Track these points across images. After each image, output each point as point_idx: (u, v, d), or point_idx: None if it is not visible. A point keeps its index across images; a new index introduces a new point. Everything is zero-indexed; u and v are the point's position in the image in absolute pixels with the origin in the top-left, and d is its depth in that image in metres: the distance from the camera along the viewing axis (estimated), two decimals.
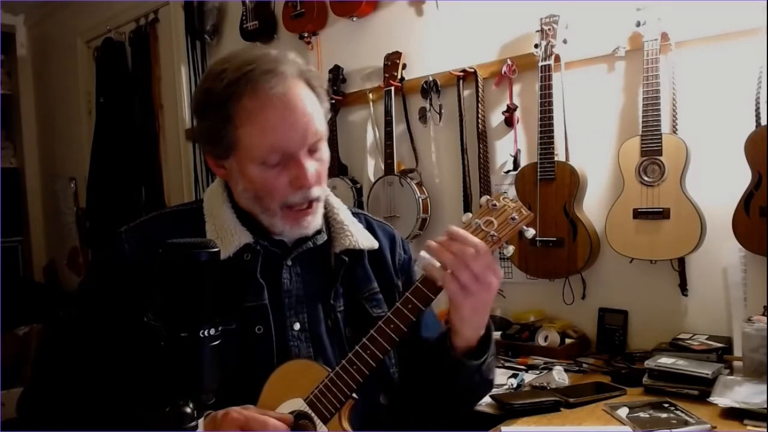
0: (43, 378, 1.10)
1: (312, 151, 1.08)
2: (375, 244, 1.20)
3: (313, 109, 1.07)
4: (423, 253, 1.04)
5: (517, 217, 1.03)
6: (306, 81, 1.08)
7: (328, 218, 1.19)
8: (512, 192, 2.18)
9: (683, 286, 1.94)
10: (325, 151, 1.11)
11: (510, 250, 1.05)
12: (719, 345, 1.74)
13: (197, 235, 1.09)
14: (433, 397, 1.16)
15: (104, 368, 1.05)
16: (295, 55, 1.11)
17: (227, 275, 1.05)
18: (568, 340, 2.06)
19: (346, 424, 1.03)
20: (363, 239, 1.18)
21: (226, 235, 1.09)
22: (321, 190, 1.11)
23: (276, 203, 1.08)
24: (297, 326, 1.12)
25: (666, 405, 1.53)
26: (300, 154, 1.05)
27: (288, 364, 1.06)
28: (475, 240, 1.01)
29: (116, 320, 1.06)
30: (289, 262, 1.14)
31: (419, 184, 2.45)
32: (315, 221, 1.12)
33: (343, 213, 1.21)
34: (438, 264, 1.02)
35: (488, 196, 1.07)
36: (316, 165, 1.08)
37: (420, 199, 2.40)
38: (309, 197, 1.08)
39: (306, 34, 2.78)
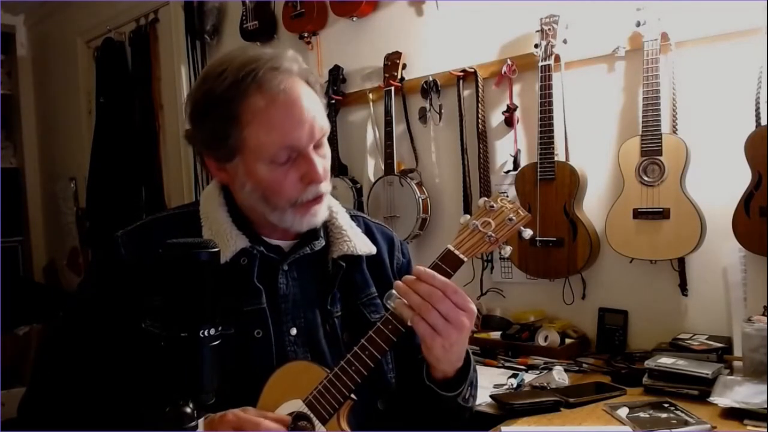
0: (43, 380, 1.10)
1: (317, 146, 1.08)
2: (373, 250, 1.20)
3: (317, 106, 1.08)
4: (393, 291, 1.03)
5: (514, 217, 1.04)
6: (305, 80, 1.09)
7: (327, 223, 1.18)
8: (512, 192, 2.18)
9: (683, 286, 1.94)
10: (327, 148, 1.11)
11: (508, 250, 1.05)
12: (719, 345, 1.74)
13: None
14: (421, 407, 1.15)
15: (104, 370, 1.05)
16: (293, 53, 1.10)
17: (224, 280, 1.05)
18: (568, 340, 2.06)
19: (344, 425, 1.03)
20: (361, 245, 1.18)
21: (223, 240, 1.09)
22: (327, 185, 1.11)
23: (285, 201, 1.07)
24: (294, 331, 1.12)
25: (666, 405, 1.53)
26: (309, 150, 1.06)
27: (287, 366, 1.07)
28: (442, 279, 1.00)
29: (115, 323, 1.05)
30: (286, 267, 1.14)
31: (419, 184, 2.45)
32: (323, 212, 1.12)
33: (342, 217, 1.20)
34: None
35: (486, 198, 1.07)
36: (323, 161, 1.09)
37: (420, 199, 2.40)
38: (318, 193, 1.08)
39: (306, 34, 2.78)
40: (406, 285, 1.01)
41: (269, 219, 1.11)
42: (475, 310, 1.03)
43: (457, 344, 1.02)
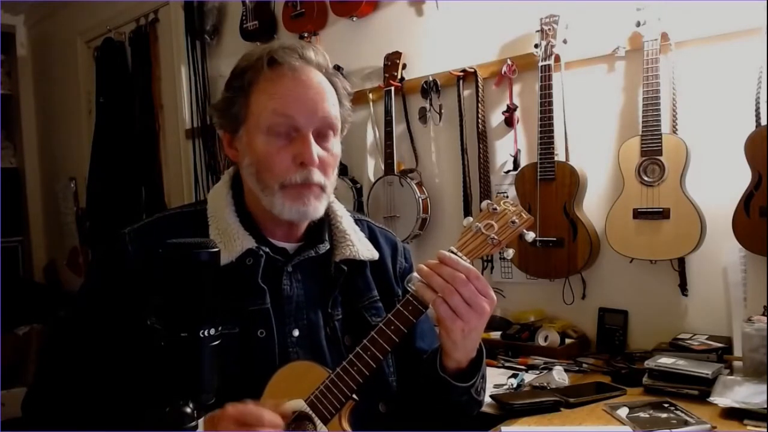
0: (47, 378, 1.10)
1: (322, 135, 1.09)
2: (375, 255, 1.20)
3: (329, 95, 1.10)
4: (415, 275, 1.05)
5: (517, 220, 1.06)
6: (327, 77, 1.12)
7: (331, 226, 1.19)
8: (512, 192, 2.18)
9: (683, 286, 1.94)
10: (335, 145, 1.12)
11: (510, 253, 1.06)
12: (719, 345, 1.74)
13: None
14: (424, 408, 1.17)
15: (107, 368, 1.05)
16: (325, 56, 1.15)
17: (229, 279, 1.06)
18: (568, 340, 2.06)
19: (346, 425, 1.03)
20: (364, 249, 1.19)
21: (230, 240, 1.09)
22: (323, 178, 1.09)
23: (275, 181, 1.07)
24: (296, 333, 1.12)
25: (666, 405, 1.53)
26: (307, 131, 1.07)
27: (290, 366, 1.07)
28: (466, 265, 1.02)
29: (119, 321, 1.06)
30: (290, 269, 1.14)
31: (419, 184, 2.45)
32: (317, 204, 1.10)
33: (346, 221, 1.21)
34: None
35: (489, 201, 1.08)
36: (322, 152, 1.09)
37: (420, 199, 2.41)
38: (309, 179, 1.07)
39: (306, 34, 2.78)
40: (429, 268, 1.02)
41: (263, 204, 1.11)
42: (495, 298, 1.04)
43: (476, 330, 1.05)
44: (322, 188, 1.10)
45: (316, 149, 1.07)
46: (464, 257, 1.04)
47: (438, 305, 1.01)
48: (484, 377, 1.16)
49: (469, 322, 1.02)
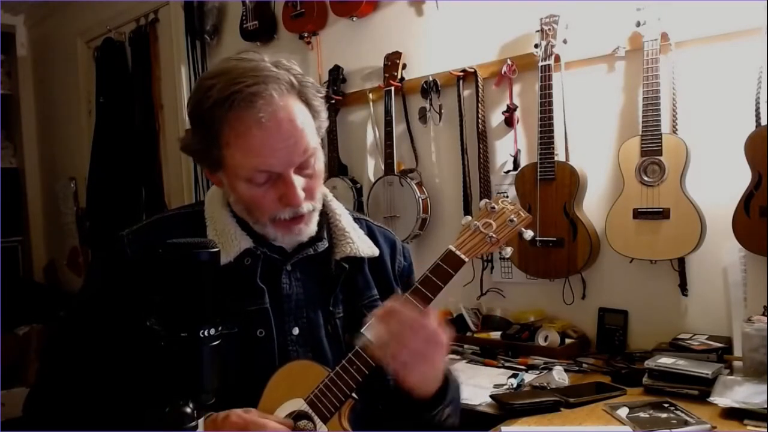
0: (48, 380, 1.11)
1: (302, 167, 1.06)
2: (375, 252, 1.20)
3: (304, 126, 1.04)
4: (364, 332, 1.03)
5: (515, 219, 1.06)
6: (299, 94, 1.06)
7: (330, 224, 1.19)
8: (512, 192, 2.18)
9: (683, 286, 1.94)
10: (317, 164, 1.09)
11: (508, 251, 1.07)
12: (719, 345, 1.74)
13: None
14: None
15: (107, 369, 1.05)
16: (290, 64, 1.08)
17: (228, 280, 1.06)
18: (568, 340, 2.06)
19: (345, 424, 1.03)
20: (364, 247, 1.18)
21: (227, 240, 1.09)
22: (311, 204, 1.10)
23: (265, 217, 1.08)
24: (296, 331, 1.12)
25: (666, 405, 1.53)
26: (288, 173, 1.04)
27: (289, 365, 1.07)
28: (410, 315, 1.00)
29: (118, 322, 1.06)
30: (289, 268, 1.14)
31: (419, 184, 2.45)
32: (308, 229, 1.12)
33: (345, 219, 1.20)
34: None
35: (487, 200, 1.09)
36: (306, 181, 1.07)
37: (420, 199, 2.41)
38: (298, 213, 1.08)
39: (306, 34, 2.78)
40: (378, 320, 1.01)
41: (254, 229, 1.12)
42: (446, 340, 1.03)
43: (431, 374, 1.05)
44: (311, 212, 1.10)
45: (299, 184, 1.05)
46: (462, 254, 1.03)
47: (388, 360, 1.00)
48: (454, 402, 1.14)
49: (421, 370, 1.01)
